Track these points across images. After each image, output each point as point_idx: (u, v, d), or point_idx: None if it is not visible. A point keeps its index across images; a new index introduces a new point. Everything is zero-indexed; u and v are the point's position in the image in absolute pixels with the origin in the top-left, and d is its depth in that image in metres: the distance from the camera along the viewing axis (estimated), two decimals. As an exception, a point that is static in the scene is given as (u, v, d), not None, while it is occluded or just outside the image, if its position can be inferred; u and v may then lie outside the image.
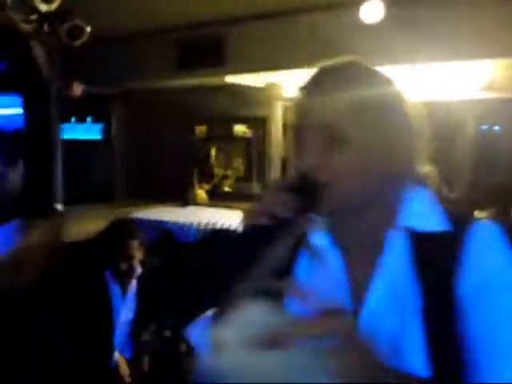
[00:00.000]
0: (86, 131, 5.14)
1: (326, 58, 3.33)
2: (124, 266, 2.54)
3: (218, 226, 3.52)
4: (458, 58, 3.16)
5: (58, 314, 2.56)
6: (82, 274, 2.64)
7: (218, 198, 4.37)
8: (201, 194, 4.31)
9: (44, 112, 3.24)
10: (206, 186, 4.43)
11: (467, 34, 3.06)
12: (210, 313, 1.06)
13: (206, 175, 4.50)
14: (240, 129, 4.55)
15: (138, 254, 2.60)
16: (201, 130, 4.60)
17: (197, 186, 4.32)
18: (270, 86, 4.04)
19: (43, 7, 2.48)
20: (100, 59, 4.26)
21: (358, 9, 3.33)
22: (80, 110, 4.99)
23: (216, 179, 4.51)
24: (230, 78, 3.93)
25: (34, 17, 2.55)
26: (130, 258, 2.55)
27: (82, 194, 4.63)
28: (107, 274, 2.61)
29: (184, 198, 4.25)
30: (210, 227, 3.51)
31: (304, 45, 3.59)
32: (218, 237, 3.49)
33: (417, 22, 3.22)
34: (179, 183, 4.52)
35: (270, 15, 3.63)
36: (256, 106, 4.17)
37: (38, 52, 3.10)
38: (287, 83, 4.01)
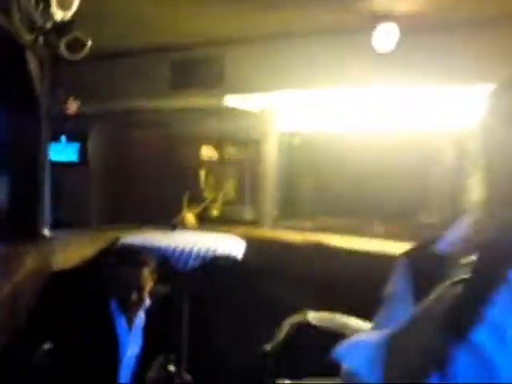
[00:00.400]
0: (61, 152, 4.92)
1: (328, 82, 3.27)
2: (134, 297, 2.38)
3: (218, 253, 3.39)
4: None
5: (59, 347, 2.37)
6: (84, 305, 2.46)
7: (207, 223, 4.23)
8: (190, 218, 4.17)
9: (33, 130, 3.05)
10: (195, 210, 4.29)
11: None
12: (363, 334, 0.98)
13: (195, 199, 4.37)
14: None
15: (148, 284, 2.46)
16: (190, 152, 4.48)
17: (186, 210, 4.18)
18: (265, 111, 3.99)
19: (59, 15, 2.34)
20: (83, 75, 4.11)
21: (360, 33, 3.35)
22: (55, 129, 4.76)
23: (206, 203, 4.38)
24: (225, 101, 3.86)
25: (49, 25, 2.41)
26: (140, 289, 2.40)
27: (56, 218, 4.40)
28: (113, 304, 2.45)
29: (172, 223, 4.10)
30: (209, 254, 3.37)
31: (305, 68, 3.57)
32: (221, 265, 3.37)
33: (423, 47, 3.24)
34: (162, 207, 4.37)
35: (269, 37, 3.60)
36: (249, 129, 4.11)
37: (32, 64, 2.94)
38: (282, 109, 3.97)
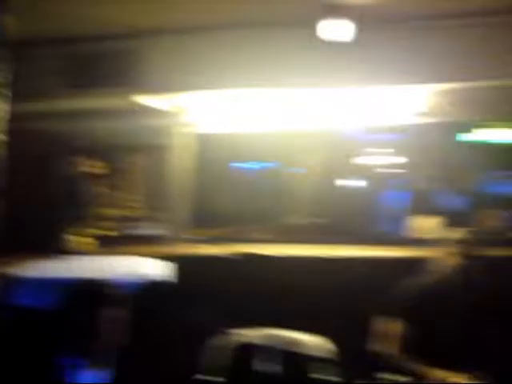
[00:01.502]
0: None
1: (244, 80, 3.14)
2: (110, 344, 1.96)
3: (148, 278, 3.02)
4: (393, 82, 3.29)
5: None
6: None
7: (109, 243, 3.76)
8: (84, 240, 3.65)
9: None
10: (92, 230, 3.78)
11: (404, 60, 3.21)
12: None
13: (90, 217, 3.86)
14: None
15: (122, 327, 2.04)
16: (80, 162, 3.94)
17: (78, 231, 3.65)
18: (177, 112, 3.68)
19: None
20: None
21: (281, 28, 3.26)
22: None
23: (104, 221, 3.89)
24: (132, 102, 3.47)
25: None
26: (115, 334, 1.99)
27: None
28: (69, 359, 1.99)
29: (57, 247, 3.52)
30: (132, 279, 2.99)
31: (221, 65, 3.38)
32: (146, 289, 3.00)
33: (351, 45, 3.24)
34: (45, 230, 3.78)
35: (184, 30, 3.31)
36: (159, 133, 3.76)
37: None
38: (197, 109, 3.71)
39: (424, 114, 3.56)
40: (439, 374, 2.41)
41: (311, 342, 2.95)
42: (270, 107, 3.82)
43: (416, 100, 3.55)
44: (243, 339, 3.03)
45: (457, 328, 2.59)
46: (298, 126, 3.87)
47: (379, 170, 4.29)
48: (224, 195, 4.07)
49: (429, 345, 2.56)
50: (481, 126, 3.92)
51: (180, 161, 3.81)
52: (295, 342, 2.96)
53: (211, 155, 4.02)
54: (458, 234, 2.86)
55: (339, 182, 4.43)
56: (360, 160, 4.33)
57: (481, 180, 4.04)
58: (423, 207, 3.76)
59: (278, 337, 3.03)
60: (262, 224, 4.00)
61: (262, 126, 3.88)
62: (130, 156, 4.04)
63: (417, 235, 3.56)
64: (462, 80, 3.31)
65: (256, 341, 3.01)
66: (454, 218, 3.38)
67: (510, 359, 2.43)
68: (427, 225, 3.55)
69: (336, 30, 2.89)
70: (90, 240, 3.79)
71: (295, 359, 2.91)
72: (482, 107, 3.63)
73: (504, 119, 3.82)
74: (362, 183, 4.39)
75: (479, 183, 4.04)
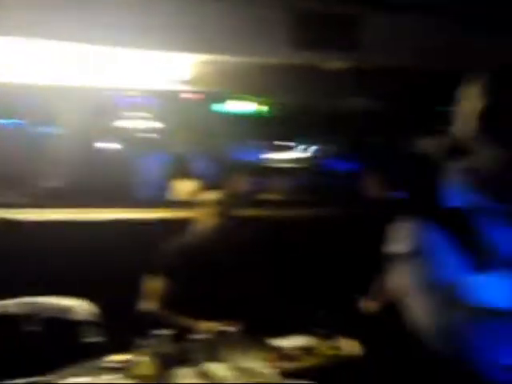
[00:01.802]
0: None
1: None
2: None
3: None
4: (157, 48, 3.33)
5: None
6: None
7: None
8: None
9: None
10: None
11: (169, 27, 3.27)
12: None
13: None
14: None
15: None
16: None
17: None
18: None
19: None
20: None
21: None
22: None
23: None
24: None
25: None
26: None
27: None
28: None
29: None
30: None
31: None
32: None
33: (122, 5, 3.17)
34: None
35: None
36: None
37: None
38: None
39: (185, 83, 3.72)
40: (203, 325, 2.66)
41: (74, 306, 2.92)
42: (23, 57, 3.52)
43: (178, 68, 3.68)
44: (0, 310, 2.84)
45: (216, 282, 2.86)
46: (55, 81, 3.65)
47: (139, 134, 4.34)
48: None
49: (193, 300, 2.78)
50: (234, 97, 4.27)
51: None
52: (57, 308, 2.90)
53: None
54: (214, 196, 3.11)
55: (97, 145, 4.33)
56: (119, 123, 4.31)
57: (232, 148, 4.42)
58: (182, 171, 3.96)
59: (37, 304, 2.92)
60: (13, 187, 3.71)
61: (13, 78, 3.56)
62: None
63: (177, 197, 3.76)
64: (220, 53, 3.55)
65: (15, 311, 2.86)
66: (210, 182, 3.65)
67: (264, 307, 2.80)
68: (186, 188, 3.77)
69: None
70: None
71: (58, 325, 2.85)
72: (235, 80, 3.95)
73: (253, 93, 4.24)
74: (121, 146, 4.38)
75: (231, 151, 4.42)
